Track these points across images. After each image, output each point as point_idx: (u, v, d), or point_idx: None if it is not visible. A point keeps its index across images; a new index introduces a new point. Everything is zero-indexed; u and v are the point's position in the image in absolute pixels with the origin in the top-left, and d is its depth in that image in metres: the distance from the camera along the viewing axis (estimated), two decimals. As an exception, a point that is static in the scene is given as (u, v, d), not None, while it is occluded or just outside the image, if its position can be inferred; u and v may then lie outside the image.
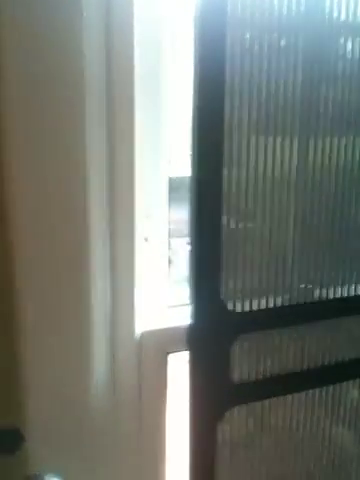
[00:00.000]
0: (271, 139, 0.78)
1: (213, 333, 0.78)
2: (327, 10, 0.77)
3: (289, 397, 0.88)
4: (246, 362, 0.83)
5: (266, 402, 0.87)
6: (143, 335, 0.80)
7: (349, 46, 0.81)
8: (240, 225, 0.77)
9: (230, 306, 0.78)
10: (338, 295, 0.88)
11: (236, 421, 0.85)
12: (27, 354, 0.72)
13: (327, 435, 0.95)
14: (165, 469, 0.87)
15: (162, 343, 0.82)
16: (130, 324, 0.78)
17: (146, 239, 0.81)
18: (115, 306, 0.77)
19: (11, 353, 0.72)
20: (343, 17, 0.79)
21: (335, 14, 0.78)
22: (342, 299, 0.89)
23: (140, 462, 0.83)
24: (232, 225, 0.77)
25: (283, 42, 0.76)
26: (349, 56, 0.82)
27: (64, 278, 0.72)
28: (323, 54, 0.79)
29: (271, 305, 0.81)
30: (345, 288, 0.88)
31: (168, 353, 0.84)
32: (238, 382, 0.83)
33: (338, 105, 0.82)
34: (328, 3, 0.77)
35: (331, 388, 0.93)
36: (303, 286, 0.83)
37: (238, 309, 0.78)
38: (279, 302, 0.82)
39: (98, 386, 0.78)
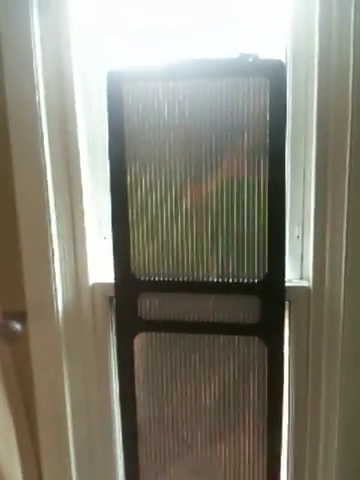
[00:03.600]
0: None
1: (127, 289, 1.45)
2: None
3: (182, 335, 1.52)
4: (151, 308, 1.48)
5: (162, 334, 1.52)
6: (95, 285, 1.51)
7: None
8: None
9: (138, 276, 1.44)
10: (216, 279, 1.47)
11: (144, 341, 1.51)
12: None
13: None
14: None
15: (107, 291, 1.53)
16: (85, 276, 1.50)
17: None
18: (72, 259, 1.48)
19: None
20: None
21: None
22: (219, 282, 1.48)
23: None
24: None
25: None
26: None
27: None
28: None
29: (166, 278, 1.45)
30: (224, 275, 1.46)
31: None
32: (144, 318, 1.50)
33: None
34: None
35: (210, 337, 1.54)
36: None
37: (143, 278, 1.45)
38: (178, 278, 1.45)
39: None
